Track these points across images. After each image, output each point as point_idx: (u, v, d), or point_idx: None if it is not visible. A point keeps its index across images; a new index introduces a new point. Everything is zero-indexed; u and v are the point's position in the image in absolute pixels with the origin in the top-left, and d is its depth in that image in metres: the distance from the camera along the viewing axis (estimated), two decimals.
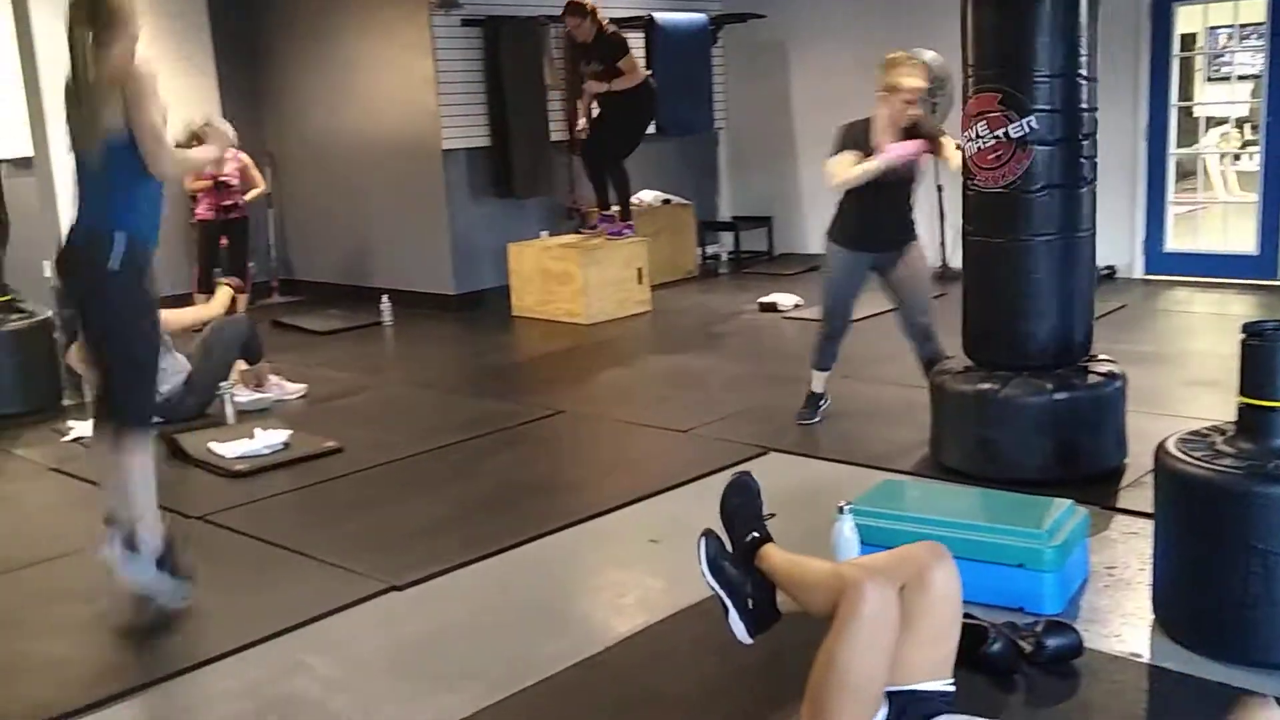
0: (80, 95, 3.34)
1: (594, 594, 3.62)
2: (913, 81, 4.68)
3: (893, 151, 4.64)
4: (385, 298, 8.26)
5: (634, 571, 3.73)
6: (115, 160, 3.30)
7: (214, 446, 4.99)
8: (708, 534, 2.78)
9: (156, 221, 3.46)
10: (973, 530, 3.25)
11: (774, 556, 2.67)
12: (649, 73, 8.15)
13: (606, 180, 8.06)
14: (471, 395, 6.13)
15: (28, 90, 6.04)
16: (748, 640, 2.73)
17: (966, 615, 2.54)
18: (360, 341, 7.74)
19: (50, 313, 6.22)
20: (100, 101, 3.27)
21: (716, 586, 2.74)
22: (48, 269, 6.31)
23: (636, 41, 8.85)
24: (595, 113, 8.09)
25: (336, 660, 3.15)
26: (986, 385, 4.22)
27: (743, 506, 2.79)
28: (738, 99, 10.15)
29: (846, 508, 3.30)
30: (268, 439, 5.05)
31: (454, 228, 8.45)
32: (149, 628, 3.44)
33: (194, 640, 3.35)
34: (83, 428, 5.22)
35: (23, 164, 6.83)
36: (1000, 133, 4.13)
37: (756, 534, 2.72)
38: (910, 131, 4.73)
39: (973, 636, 2.73)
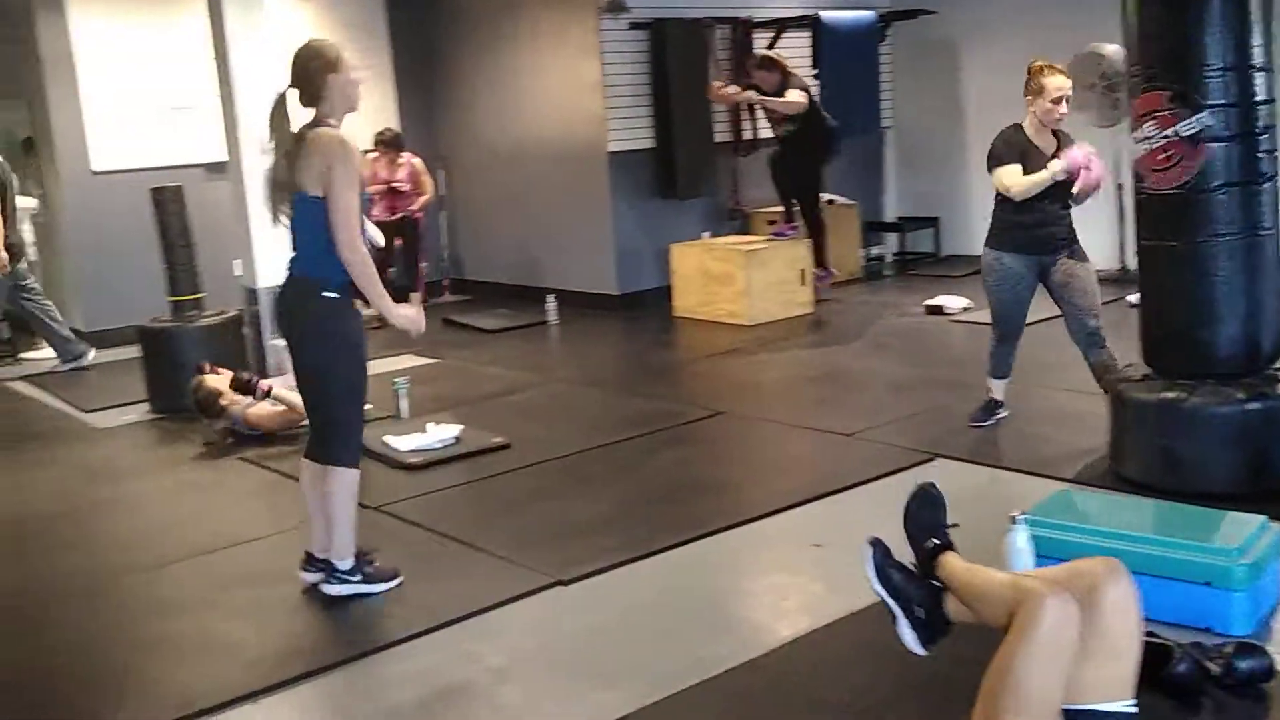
0: (286, 152, 3.51)
1: (756, 597, 3.61)
2: (1058, 81, 4.58)
3: (1071, 158, 4.54)
4: (551, 297, 8.41)
5: (797, 575, 3.69)
6: (316, 219, 3.46)
7: (389, 440, 5.17)
8: (874, 542, 2.73)
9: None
10: (1157, 545, 3.10)
11: (953, 564, 2.60)
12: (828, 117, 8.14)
13: (793, 198, 8.21)
14: (634, 394, 6.18)
15: (223, 98, 6.36)
16: (920, 651, 2.66)
17: (1149, 634, 2.43)
18: (527, 340, 7.91)
19: (236, 310, 6.57)
20: (304, 168, 3.45)
21: (884, 595, 2.69)
22: (238, 268, 6.67)
23: (803, 40, 8.78)
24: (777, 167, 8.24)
25: (504, 651, 3.22)
26: (1171, 394, 4.02)
27: (926, 516, 2.73)
28: (906, 97, 9.94)
29: (1020, 518, 3.19)
30: (440, 434, 5.20)
31: (618, 229, 8.55)
32: (327, 612, 3.59)
33: (369, 627, 3.48)
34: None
35: (217, 168, 7.23)
36: (1170, 131, 3.94)
37: (937, 540, 2.66)
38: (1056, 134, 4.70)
39: (1156, 656, 2.61)
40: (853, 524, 3.98)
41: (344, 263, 3.46)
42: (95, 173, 8.34)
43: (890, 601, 2.67)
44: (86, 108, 8.28)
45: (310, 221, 3.49)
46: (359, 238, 3.48)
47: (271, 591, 3.75)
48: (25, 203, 8.26)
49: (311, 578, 3.70)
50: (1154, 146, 3.99)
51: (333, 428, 3.63)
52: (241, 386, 5.55)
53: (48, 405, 6.84)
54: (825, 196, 8.77)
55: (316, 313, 3.53)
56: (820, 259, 8.23)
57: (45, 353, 8.31)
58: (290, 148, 3.51)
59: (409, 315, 3.71)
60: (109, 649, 3.45)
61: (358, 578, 3.65)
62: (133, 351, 6.73)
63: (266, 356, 6.32)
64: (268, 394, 5.55)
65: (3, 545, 4.37)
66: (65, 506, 4.83)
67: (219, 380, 5.64)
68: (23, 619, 3.68)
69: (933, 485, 2.82)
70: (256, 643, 3.40)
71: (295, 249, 3.61)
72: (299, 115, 3.55)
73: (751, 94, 7.93)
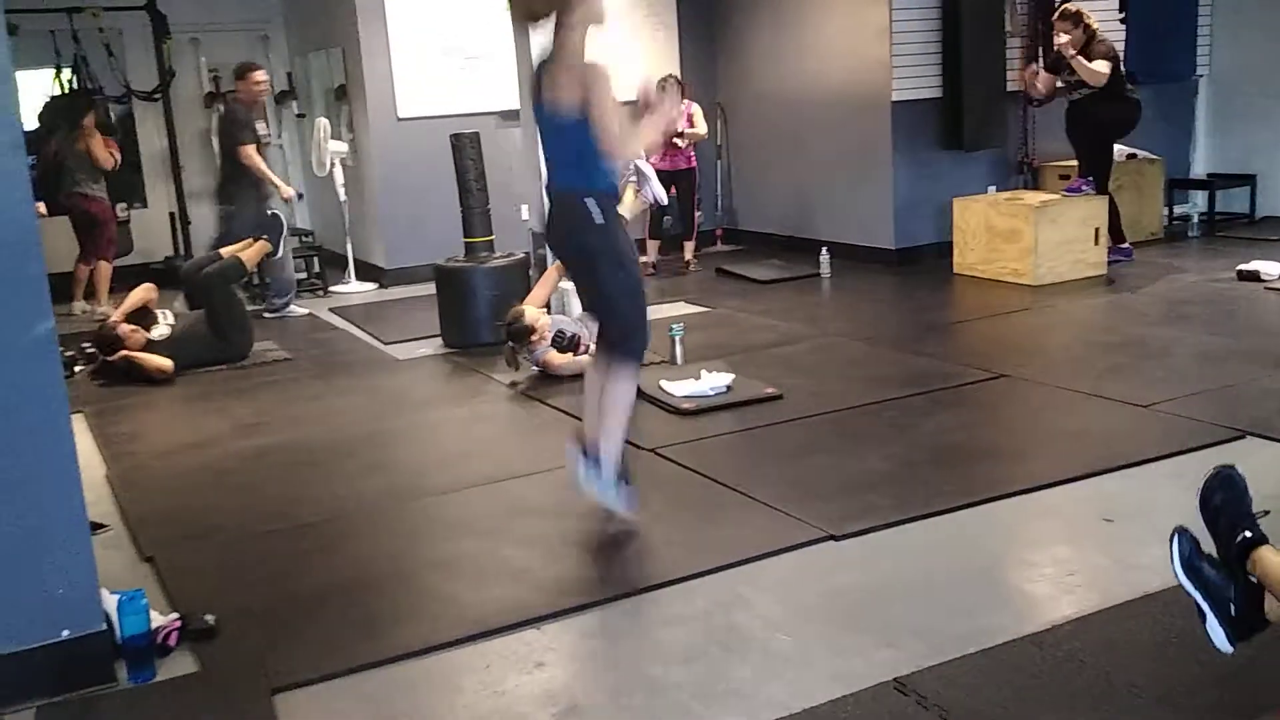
0: (543, 74, 3.66)
1: (1037, 569, 3.45)
2: None
3: None
4: (825, 250, 8.31)
5: (1084, 550, 3.51)
6: (575, 136, 3.60)
7: (664, 385, 5.28)
8: (1180, 531, 2.55)
9: (616, 179, 3.83)
10: None
11: (1270, 559, 2.39)
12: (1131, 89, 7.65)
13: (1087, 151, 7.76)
14: (910, 352, 6.03)
15: (517, 47, 6.59)
16: (1228, 649, 2.48)
17: None
18: (799, 292, 7.85)
19: (523, 253, 6.85)
20: (560, 87, 3.58)
21: (1193, 590, 2.51)
22: (524, 212, 6.94)
23: None
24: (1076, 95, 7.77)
25: (776, 601, 3.24)
26: None
27: (1229, 503, 2.52)
28: (1226, 42, 9.11)
29: None
30: (713, 381, 5.26)
31: (897, 181, 8.32)
32: (606, 547, 3.73)
33: (646, 564, 3.59)
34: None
35: (511, 115, 7.53)
36: None
37: (1249, 533, 2.46)
38: None
39: None
40: (1148, 501, 3.76)
41: (619, 159, 3.71)
42: (401, 119, 8.88)
43: (1198, 598, 2.49)
44: (395, 57, 8.80)
45: (569, 139, 3.63)
46: (617, 144, 3.61)
47: (554, 523, 3.92)
48: (336, 146, 8.90)
49: (581, 468, 3.79)
50: None
51: (624, 321, 3.78)
52: (564, 345, 5.78)
53: (354, 337, 7.39)
54: (1124, 152, 8.23)
55: (589, 221, 3.66)
56: (1117, 235, 7.73)
57: (352, 286, 8.98)
58: (547, 70, 3.65)
59: (663, 112, 3.80)
60: (407, 566, 3.71)
61: (612, 491, 3.75)
62: (429, 289, 7.15)
63: (550, 297, 6.55)
64: (585, 351, 5.75)
65: (316, 467, 4.77)
66: (369, 431, 5.22)
67: (535, 315, 5.86)
68: (335, 534, 4.01)
69: (1233, 468, 2.59)
70: (539, 570, 3.56)
71: (555, 165, 3.78)
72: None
73: (1065, 45, 7.48)
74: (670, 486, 4.14)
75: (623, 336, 3.78)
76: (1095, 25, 7.50)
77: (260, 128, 8.04)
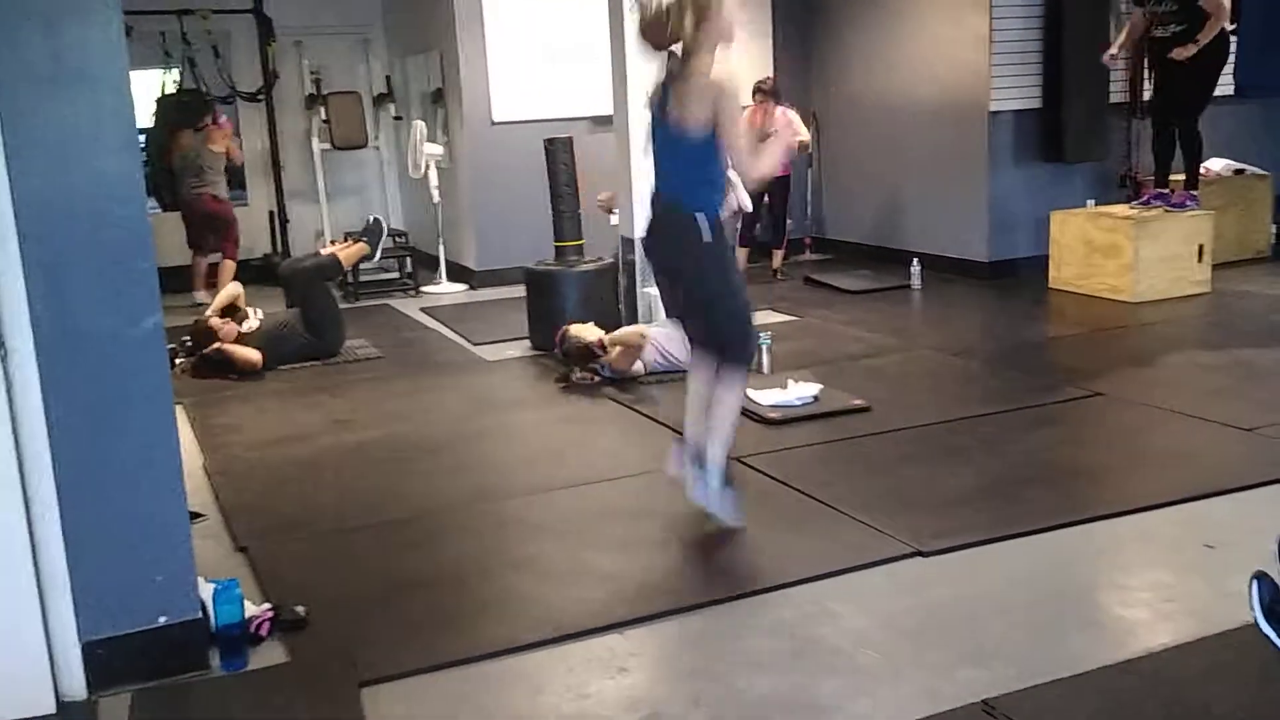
0: (669, 92, 3.67)
1: (1133, 593, 3.36)
2: None
3: None
4: (916, 261, 8.20)
5: (1183, 576, 3.41)
6: (698, 154, 3.64)
7: (751, 394, 5.23)
8: (1260, 576, 2.49)
9: (723, 196, 3.86)
10: None
11: None
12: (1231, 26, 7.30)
13: (1170, 151, 7.38)
14: (1002, 368, 5.92)
15: (613, 53, 6.61)
16: None
17: None
18: (889, 303, 7.76)
19: (611, 258, 6.87)
20: (691, 105, 3.60)
21: (1274, 637, 2.44)
22: (615, 218, 6.96)
23: None
24: (1157, 72, 7.40)
25: (864, 615, 3.20)
26: None
27: None
28: None
29: None
30: (800, 391, 5.22)
31: (993, 192, 8.18)
32: (692, 554, 3.73)
33: (731, 573, 3.58)
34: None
35: (603, 120, 7.55)
36: None
37: None
38: None
39: None
40: (1250, 527, 3.64)
41: (743, 178, 3.90)
42: (495, 123, 8.98)
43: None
44: (491, 61, 8.91)
45: (689, 156, 3.66)
46: (749, 163, 3.73)
47: (637, 527, 3.93)
48: (431, 149, 9.04)
49: (690, 475, 3.84)
50: None
51: (729, 331, 3.83)
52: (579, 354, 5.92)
53: (444, 336, 7.49)
54: (1232, 167, 7.97)
55: (699, 237, 3.69)
56: (1192, 182, 7.44)
57: (443, 286, 9.10)
58: (674, 88, 3.66)
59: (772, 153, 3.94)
60: (491, 566, 3.74)
61: (720, 498, 3.78)
62: (518, 291, 7.22)
63: (638, 303, 6.58)
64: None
65: (406, 464, 4.84)
66: (457, 431, 5.28)
67: (582, 329, 5.96)
68: (423, 531, 4.06)
69: None
70: (623, 574, 3.56)
71: (669, 180, 3.79)
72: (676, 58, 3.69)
73: (1177, 50, 7.07)
74: (756, 496, 4.11)
75: (731, 344, 3.81)
76: None
77: None
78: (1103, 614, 3.23)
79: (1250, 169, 8.42)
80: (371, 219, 7.67)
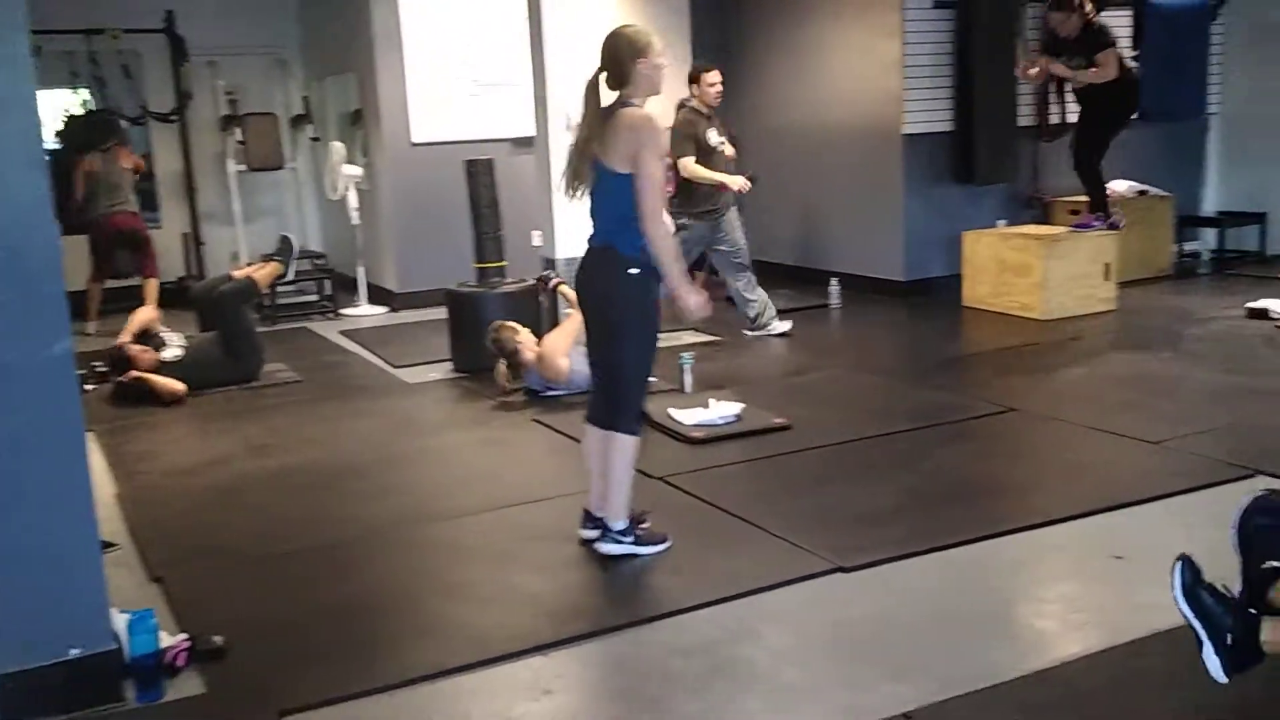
0: (592, 128, 3.67)
1: (1044, 605, 3.45)
2: None
3: None
4: (834, 280, 8.33)
5: (1091, 587, 3.51)
6: (620, 194, 3.62)
7: (673, 413, 5.28)
8: (1184, 560, 2.57)
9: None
10: None
11: None
12: (1133, 66, 7.58)
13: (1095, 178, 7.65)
14: (918, 385, 6.04)
15: (534, 76, 6.65)
16: (1223, 679, 2.50)
17: None
18: (808, 322, 7.85)
19: (534, 279, 6.86)
20: (611, 145, 3.60)
21: (1191, 617, 2.53)
22: (536, 238, 6.97)
23: (1124, 19, 8.27)
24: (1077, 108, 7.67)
25: (785, 632, 3.24)
26: None
27: (1270, 530, 2.53)
28: (1237, 82, 9.16)
29: None
30: (722, 410, 5.27)
31: (908, 213, 8.35)
32: (614, 575, 3.73)
33: (654, 593, 3.59)
34: None
35: (524, 143, 7.57)
36: None
37: (1278, 564, 2.47)
38: None
39: None
40: (1157, 538, 3.75)
41: (647, 235, 3.59)
42: (415, 144, 8.93)
43: (1197, 625, 2.52)
44: (410, 82, 8.87)
45: (614, 196, 3.64)
46: (662, 212, 3.62)
47: (560, 549, 3.92)
48: (350, 171, 8.96)
49: (588, 534, 3.88)
50: None
51: (618, 396, 3.78)
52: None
53: (365, 360, 7.41)
54: (1135, 188, 8.23)
55: (617, 282, 3.68)
56: (1096, 206, 7.65)
57: (363, 309, 9.01)
58: (597, 126, 3.65)
59: (699, 301, 3.80)
60: (416, 590, 3.71)
61: (630, 539, 3.80)
62: (439, 313, 7.18)
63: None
64: (554, 289, 6.15)
65: (326, 489, 4.77)
66: (379, 456, 5.22)
67: (516, 331, 5.98)
68: (344, 557, 4.01)
69: (1277, 493, 2.61)
70: (547, 596, 3.56)
71: (597, 221, 3.77)
72: (606, 96, 3.70)
73: (1060, 67, 7.44)
74: (678, 515, 4.14)
75: (619, 410, 3.77)
76: (1089, 11, 7.27)
77: (712, 136, 7.43)
78: (1018, 626, 3.31)
79: (1153, 190, 8.71)
80: (282, 237, 7.56)
